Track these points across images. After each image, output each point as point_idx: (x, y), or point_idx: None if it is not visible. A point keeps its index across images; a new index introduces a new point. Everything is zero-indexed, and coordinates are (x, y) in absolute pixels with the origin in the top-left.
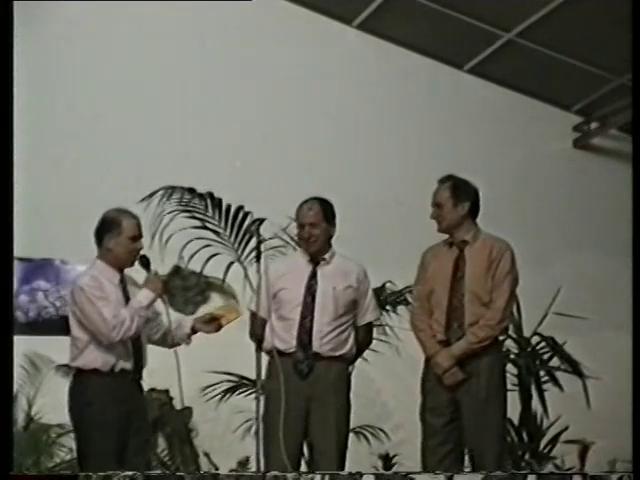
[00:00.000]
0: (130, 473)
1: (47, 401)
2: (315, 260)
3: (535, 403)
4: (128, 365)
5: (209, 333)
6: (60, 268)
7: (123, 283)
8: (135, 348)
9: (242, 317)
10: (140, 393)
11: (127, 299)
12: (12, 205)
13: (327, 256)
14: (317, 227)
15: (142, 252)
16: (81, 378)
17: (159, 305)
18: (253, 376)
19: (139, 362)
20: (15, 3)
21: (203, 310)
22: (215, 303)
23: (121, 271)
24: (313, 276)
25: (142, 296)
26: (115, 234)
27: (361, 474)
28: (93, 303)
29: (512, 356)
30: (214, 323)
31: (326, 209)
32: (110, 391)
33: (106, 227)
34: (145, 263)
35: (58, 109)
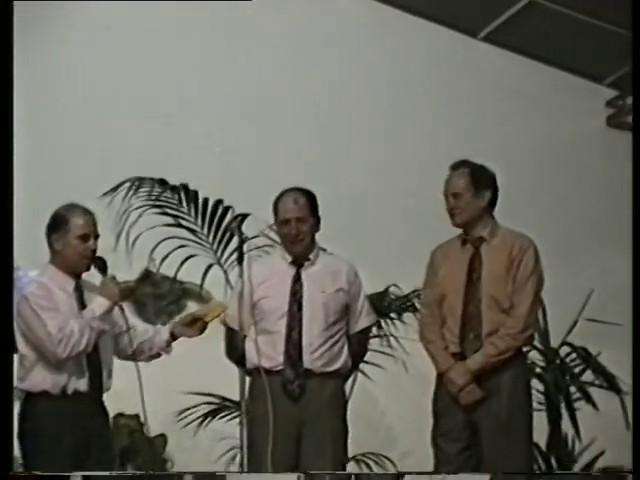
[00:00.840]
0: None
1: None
2: (298, 261)
3: (565, 424)
4: (83, 386)
5: (192, 336)
6: None
7: (79, 291)
8: (91, 366)
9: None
10: (102, 418)
11: (84, 309)
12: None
13: (312, 256)
14: (305, 222)
15: (104, 255)
16: (30, 402)
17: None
18: (236, 397)
19: (97, 382)
20: (15, 3)
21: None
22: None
23: (77, 277)
24: (297, 280)
25: (95, 305)
26: (62, 234)
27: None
28: (38, 315)
29: (538, 370)
30: (197, 324)
31: (312, 201)
32: (62, 417)
33: (53, 226)
34: (101, 266)
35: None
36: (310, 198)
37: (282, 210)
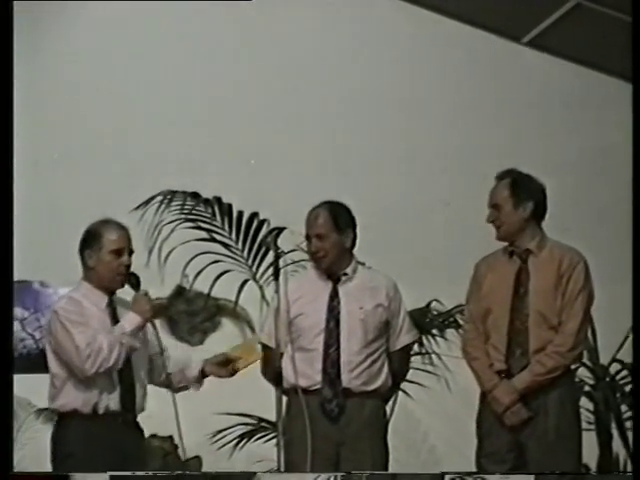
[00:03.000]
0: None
1: (27, 452)
2: (334, 276)
3: (617, 445)
4: (114, 404)
5: (222, 377)
6: (40, 292)
7: (112, 307)
8: (124, 384)
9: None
10: (136, 440)
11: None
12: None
13: (349, 270)
14: (326, 239)
15: (136, 271)
16: (62, 423)
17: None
18: (273, 417)
19: (130, 401)
20: (15, 3)
21: (213, 339)
22: (227, 329)
23: (110, 293)
24: (334, 296)
25: (126, 320)
26: (95, 249)
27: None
28: (67, 329)
29: (587, 388)
30: (229, 366)
31: (337, 216)
32: (95, 437)
33: (86, 242)
34: (134, 282)
35: (45, 107)
36: (335, 213)
37: (306, 226)
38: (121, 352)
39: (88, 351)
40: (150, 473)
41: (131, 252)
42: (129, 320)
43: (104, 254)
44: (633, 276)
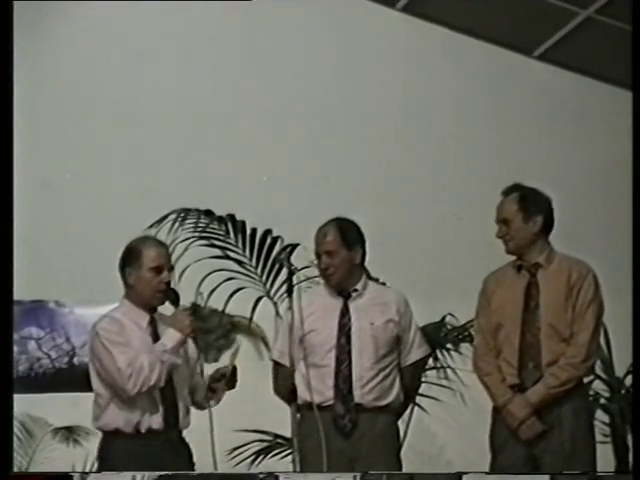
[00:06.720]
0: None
1: (43, 471)
2: (345, 293)
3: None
4: (157, 423)
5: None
6: (55, 311)
7: (153, 325)
8: (166, 402)
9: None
10: (179, 456)
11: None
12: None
13: (359, 286)
14: (335, 256)
15: None
16: (106, 441)
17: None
18: (288, 434)
19: (173, 419)
20: (15, 3)
21: (228, 356)
22: (242, 346)
23: (152, 311)
24: (345, 312)
25: (167, 338)
26: (135, 267)
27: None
28: (108, 350)
29: (602, 401)
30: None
31: (346, 232)
32: (137, 456)
33: (126, 260)
34: (173, 298)
35: (54, 122)
36: (343, 229)
37: (315, 244)
38: (162, 370)
39: (129, 371)
40: (170, 473)
41: (171, 269)
42: (169, 337)
43: (144, 271)
44: (633, 284)
